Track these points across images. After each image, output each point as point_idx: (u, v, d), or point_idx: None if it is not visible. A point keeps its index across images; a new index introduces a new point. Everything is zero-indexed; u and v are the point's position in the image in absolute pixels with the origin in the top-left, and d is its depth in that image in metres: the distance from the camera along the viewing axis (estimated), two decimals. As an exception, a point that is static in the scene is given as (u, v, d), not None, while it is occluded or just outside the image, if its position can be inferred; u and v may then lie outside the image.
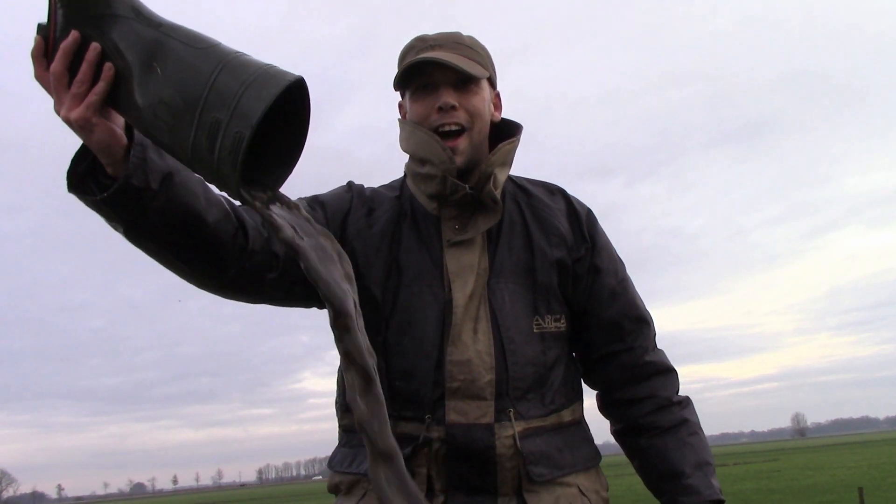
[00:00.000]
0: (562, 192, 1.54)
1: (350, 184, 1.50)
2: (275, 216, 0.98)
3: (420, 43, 1.42)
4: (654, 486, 1.45)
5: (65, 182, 1.07)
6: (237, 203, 1.13)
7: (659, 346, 1.53)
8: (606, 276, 1.48)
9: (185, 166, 0.99)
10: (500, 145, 1.43)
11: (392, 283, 1.39)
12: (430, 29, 1.51)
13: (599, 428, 1.58)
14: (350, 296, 0.98)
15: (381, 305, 1.38)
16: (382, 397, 0.96)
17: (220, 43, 0.96)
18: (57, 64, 0.98)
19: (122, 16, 0.96)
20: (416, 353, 1.35)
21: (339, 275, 0.98)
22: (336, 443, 1.48)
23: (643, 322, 1.50)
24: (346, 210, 1.43)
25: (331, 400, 1.51)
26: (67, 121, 1.00)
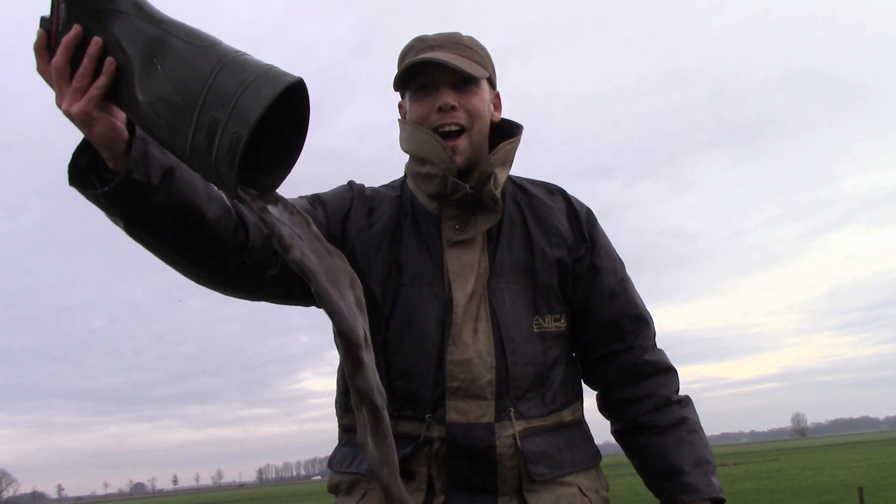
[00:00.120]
0: (561, 192, 1.54)
1: (351, 183, 1.50)
2: (277, 225, 0.97)
3: (419, 43, 1.43)
4: (654, 485, 1.45)
5: (66, 175, 1.07)
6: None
7: (659, 346, 1.53)
8: (606, 276, 1.48)
9: (185, 164, 0.99)
10: (500, 145, 1.43)
11: (392, 282, 1.39)
12: (431, 29, 1.51)
13: (599, 428, 1.58)
14: (361, 326, 0.97)
15: (381, 304, 1.38)
16: (391, 437, 0.98)
17: (220, 41, 0.96)
18: (59, 57, 0.99)
19: (124, 11, 0.96)
20: (416, 353, 1.35)
21: (351, 302, 0.98)
22: (336, 443, 1.48)
23: (643, 322, 1.50)
24: (346, 209, 1.43)
25: (331, 400, 1.51)
26: (68, 114, 1.01)
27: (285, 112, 0.98)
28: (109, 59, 0.97)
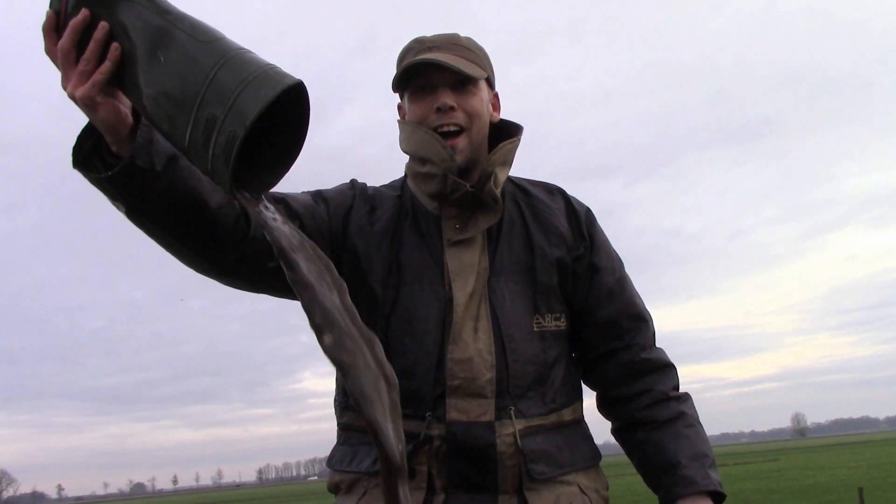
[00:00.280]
0: (561, 192, 1.55)
1: (353, 182, 1.51)
2: (278, 239, 0.95)
3: (418, 45, 1.43)
4: (652, 481, 1.44)
5: (70, 157, 1.08)
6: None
7: (659, 346, 1.53)
8: (605, 275, 1.49)
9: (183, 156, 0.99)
10: (500, 145, 1.43)
11: (393, 281, 1.39)
12: (431, 29, 1.51)
13: (599, 428, 1.58)
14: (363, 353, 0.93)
15: (381, 303, 1.38)
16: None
17: (224, 37, 0.96)
18: (65, 40, 0.99)
19: None
20: (416, 352, 1.35)
21: (341, 308, 0.94)
22: (335, 442, 1.48)
23: (641, 320, 1.50)
24: (348, 206, 1.43)
25: (330, 400, 1.51)
26: (73, 97, 1.01)
27: (286, 112, 0.98)
28: (115, 45, 0.97)
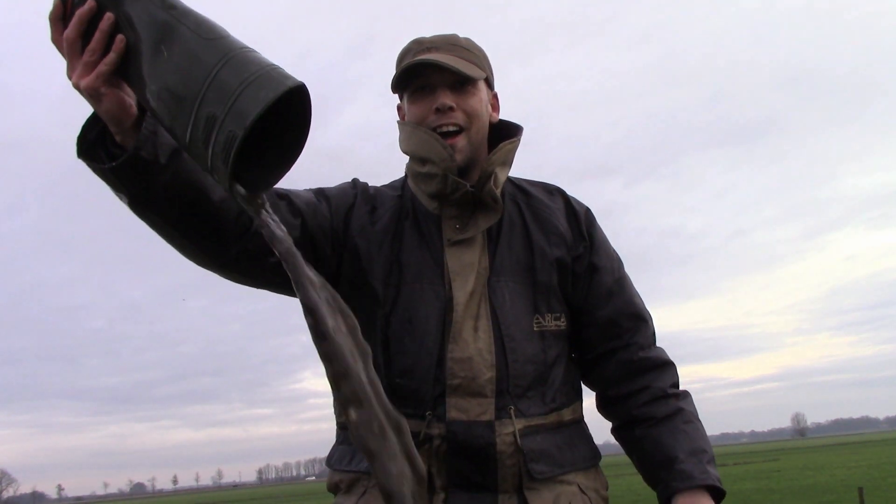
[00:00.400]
0: (560, 192, 1.55)
1: (355, 181, 1.51)
2: (276, 241, 0.95)
3: (417, 45, 1.44)
4: (651, 477, 1.44)
5: (74, 147, 1.08)
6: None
7: (659, 345, 1.53)
8: (604, 275, 1.49)
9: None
10: (501, 145, 1.44)
11: (393, 280, 1.40)
12: (431, 29, 1.51)
13: (599, 428, 1.58)
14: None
15: (382, 302, 1.39)
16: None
17: (228, 35, 0.96)
18: (71, 30, 0.99)
19: None
20: (417, 351, 1.36)
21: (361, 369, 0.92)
22: (334, 441, 1.48)
23: (640, 319, 1.50)
24: (349, 205, 1.44)
25: (330, 399, 1.50)
26: (77, 87, 1.01)
27: (287, 112, 0.98)
28: (120, 37, 0.98)
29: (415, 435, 1.32)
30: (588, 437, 1.49)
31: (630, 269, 1.56)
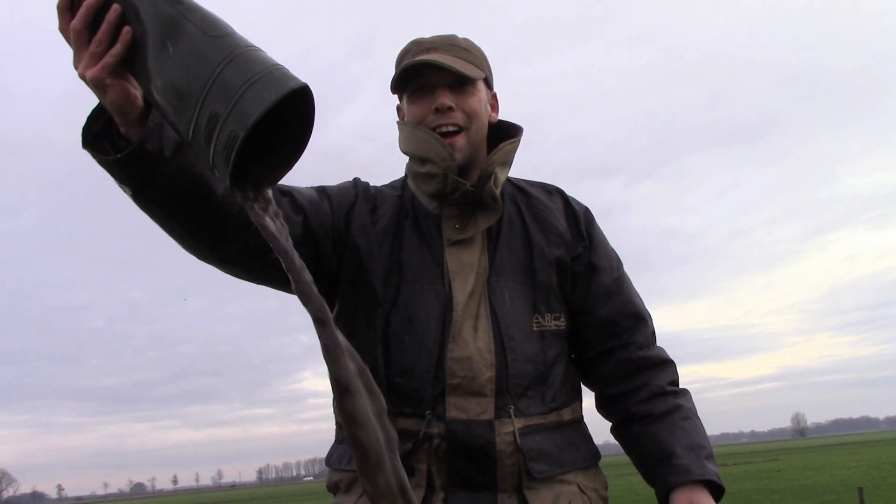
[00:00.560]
0: (559, 192, 1.56)
1: (356, 180, 1.51)
2: (275, 239, 0.94)
3: (416, 46, 1.44)
4: (649, 473, 1.43)
5: (80, 138, 1.08)
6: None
7: (659, 345, 1.53)
8: (603, 274, 1.49)
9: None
10: (501, 145, 1.44)
11: (393, 280, 1.40)
12: (431, 29, 1.51)
13: (599, 428, 1.58)
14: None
15: (382, 301, 1.39)
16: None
17: (233, 32, 0.96)
18: (78, 20, 0.99)
19: None
20: (416, 350, 1.36)
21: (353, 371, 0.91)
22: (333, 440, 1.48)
23: (639, 319, 1.50)
24: (350, 203, 1.44)
25: (330, 399, 1.50)
26: (83, 78, 1.01)
27: (290, 111, 0.98)
28: (126, 29, 0.98)
29: (414, 434, 1.32)
30: (588, 437, 1.49)
31: (630, 269, 1.56)
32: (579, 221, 1.51)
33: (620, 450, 1.53)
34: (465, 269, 1.40)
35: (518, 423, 1.35)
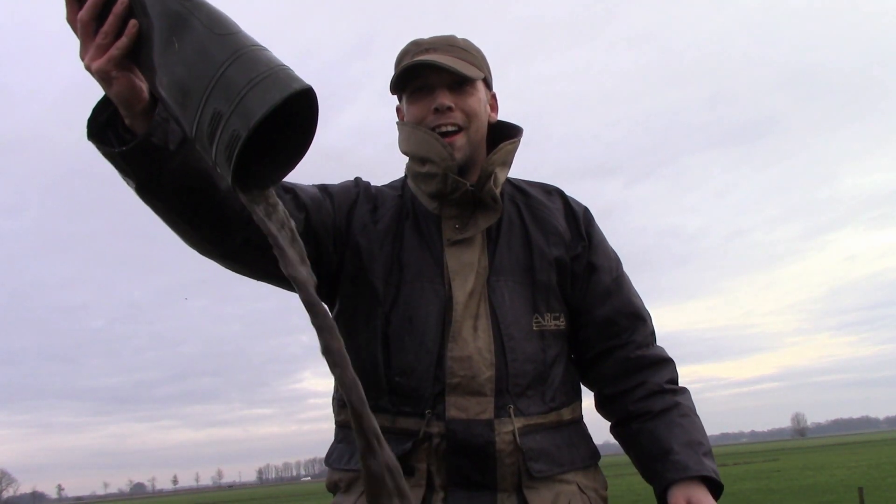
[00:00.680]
0: (559, 192, 1.56)
1: (357, 179, 1.52)
2: (277, 239, 0.95)
3: (415, 47, 1.44)
4: (647, 471, 1.43)
5: (85, 129, 1.08)
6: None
7: (659, 344, 1.53)
8: (602, 274, 1.49)
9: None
10: (501, 145, 1.44)
11: (394, 279, 1.40)
12: (431, 29, 1.52)
13: (598, 428, 1.58)
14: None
15: (382, 300, 1.39)
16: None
17: (239, 31, 0.95)
18: (85, 12, 0.99)
19: None
20: (416, 350, 1.36)
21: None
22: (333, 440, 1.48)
23: (638, 318, 1.51)
24: (352, 202, 1.44)
25: (330, 399, 1.51)
26: (89, 69, 1.01)
27: (294, 111, 0.98)
28: (133, 22, 0.97)
29: (414, 434, 1.32)
30: (587, 437, 1.49)
31: (630, 269, 1.56)
32: (579, 221, 1.51)
33: (620, 450, 1.53)
34: (465, 269, 1.40)
35: (518, 423, 1.35)
